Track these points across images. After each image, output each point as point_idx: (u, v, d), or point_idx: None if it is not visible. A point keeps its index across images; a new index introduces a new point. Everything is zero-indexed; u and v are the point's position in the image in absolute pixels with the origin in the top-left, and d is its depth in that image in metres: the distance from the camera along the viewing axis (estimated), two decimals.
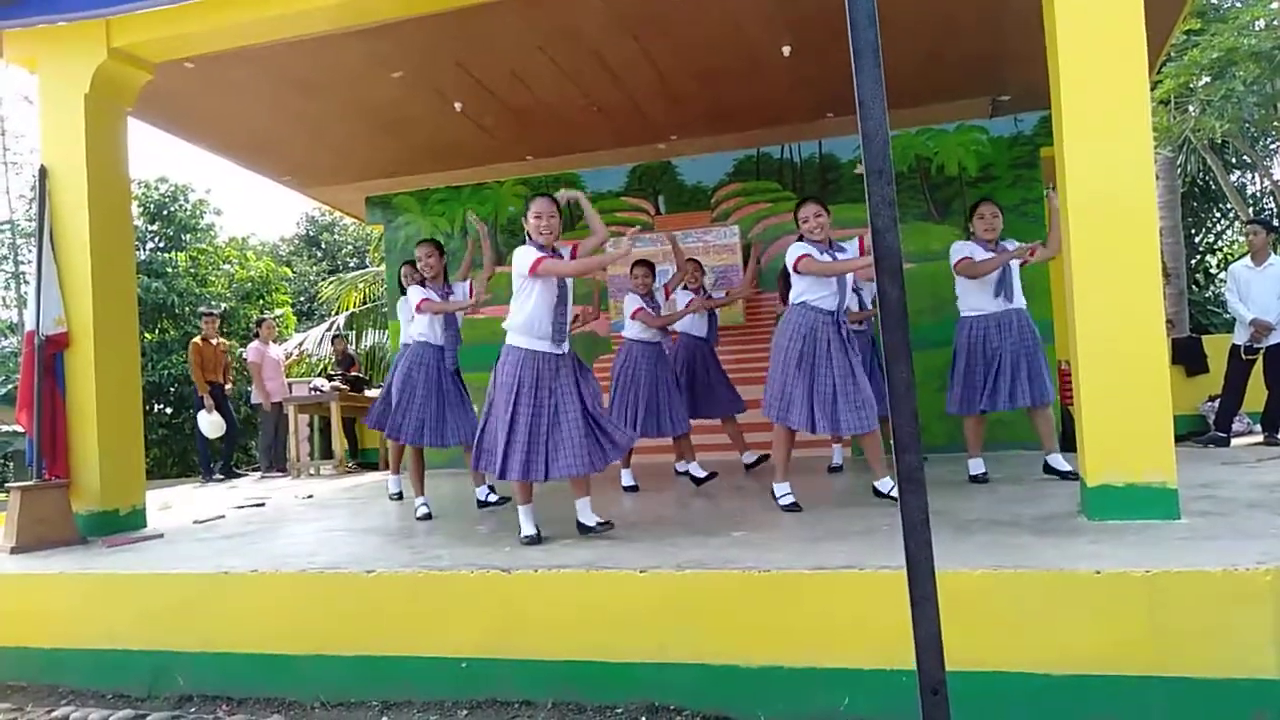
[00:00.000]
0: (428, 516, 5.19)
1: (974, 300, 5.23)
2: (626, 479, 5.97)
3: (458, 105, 7.23)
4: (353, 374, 10.38)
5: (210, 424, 9.24)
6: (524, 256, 4.11)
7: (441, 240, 8.73)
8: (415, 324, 5.38)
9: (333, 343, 12.15)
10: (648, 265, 6.15)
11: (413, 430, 5.24)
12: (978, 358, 5.19)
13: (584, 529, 4.16)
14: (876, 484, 4.68)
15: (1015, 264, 5.21)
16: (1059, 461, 5.11)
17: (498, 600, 3.41)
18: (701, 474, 5.93)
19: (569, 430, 4.08)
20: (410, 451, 5.50)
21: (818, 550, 3.45)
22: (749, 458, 6.58)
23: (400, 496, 6.20)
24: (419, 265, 5.47)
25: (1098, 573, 2.83)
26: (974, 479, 5.27)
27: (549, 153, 8.59)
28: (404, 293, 6.04)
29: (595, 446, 4.14)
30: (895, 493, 4.42)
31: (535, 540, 4.04)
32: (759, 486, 5.84)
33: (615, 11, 5.77)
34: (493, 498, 5.41)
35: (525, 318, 4.10)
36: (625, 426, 5.63)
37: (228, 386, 9.79)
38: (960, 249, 5.27)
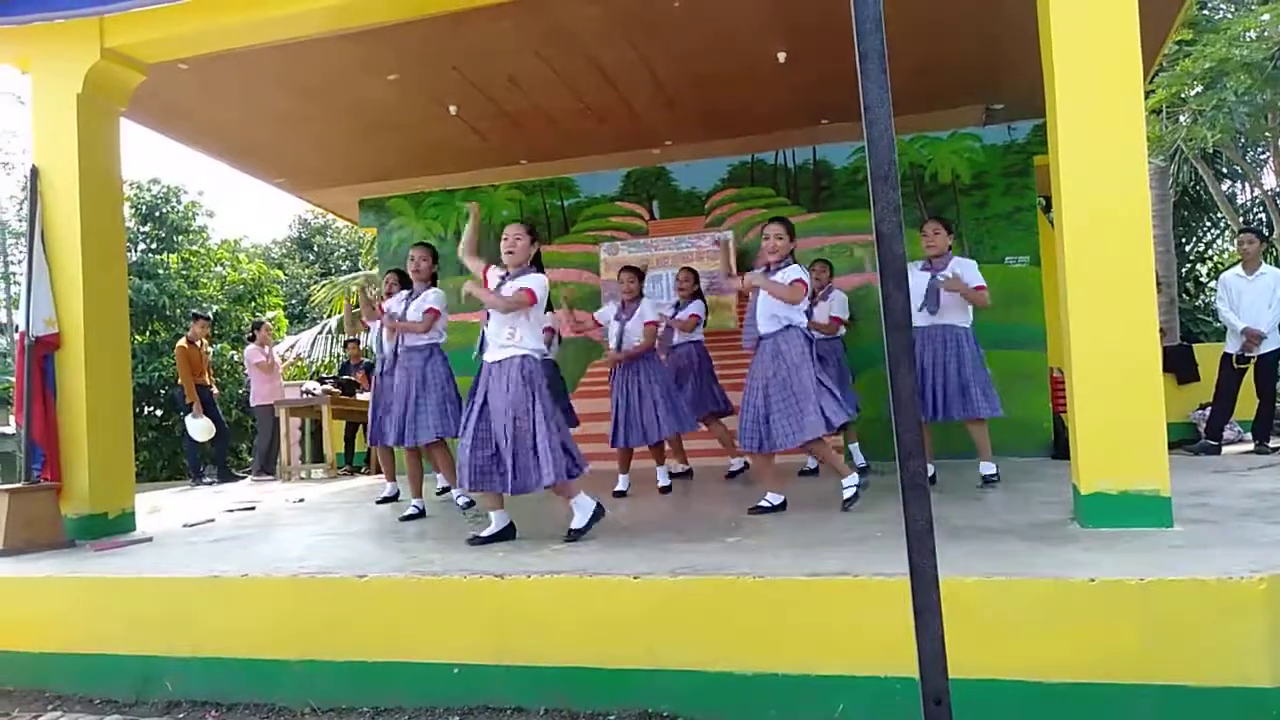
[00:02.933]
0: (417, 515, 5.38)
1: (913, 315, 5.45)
2: (621, 484, 5.97)
3: (453, 109, 7.21)
4: (345, 378, 10.33)
5: (199, 428, 9.19)
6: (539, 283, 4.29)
7: (434, 244, 8.75)
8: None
9: (345, 347, 12.04)
10: (633, 271, 6.19)
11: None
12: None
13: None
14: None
15: (942, 279, 5.40)
16: (987, 467, 5.46)
17: (490, 606, 3.39)
18: (665, 481, 6.02)
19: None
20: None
21: (812, 557, 3.44)
22: (735, 464, 6.62)
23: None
24: (409, 267, 5.64)
25: (1092, 580, 2.83)
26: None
27: (544, 157, 8.57)
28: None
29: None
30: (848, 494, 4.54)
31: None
32: (752, 493, 5.83)
33: (611, 16, 5.76)
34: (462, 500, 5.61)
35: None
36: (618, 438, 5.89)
37: (215, 390, 9.72)
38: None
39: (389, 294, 6.00)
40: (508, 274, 4.35)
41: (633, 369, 5.96)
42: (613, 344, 5.95)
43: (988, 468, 5.45)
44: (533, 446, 4.12)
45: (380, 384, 5.67)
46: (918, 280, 5.43)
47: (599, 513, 4.26)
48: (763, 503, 4.77)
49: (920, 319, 5.38)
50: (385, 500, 6.25)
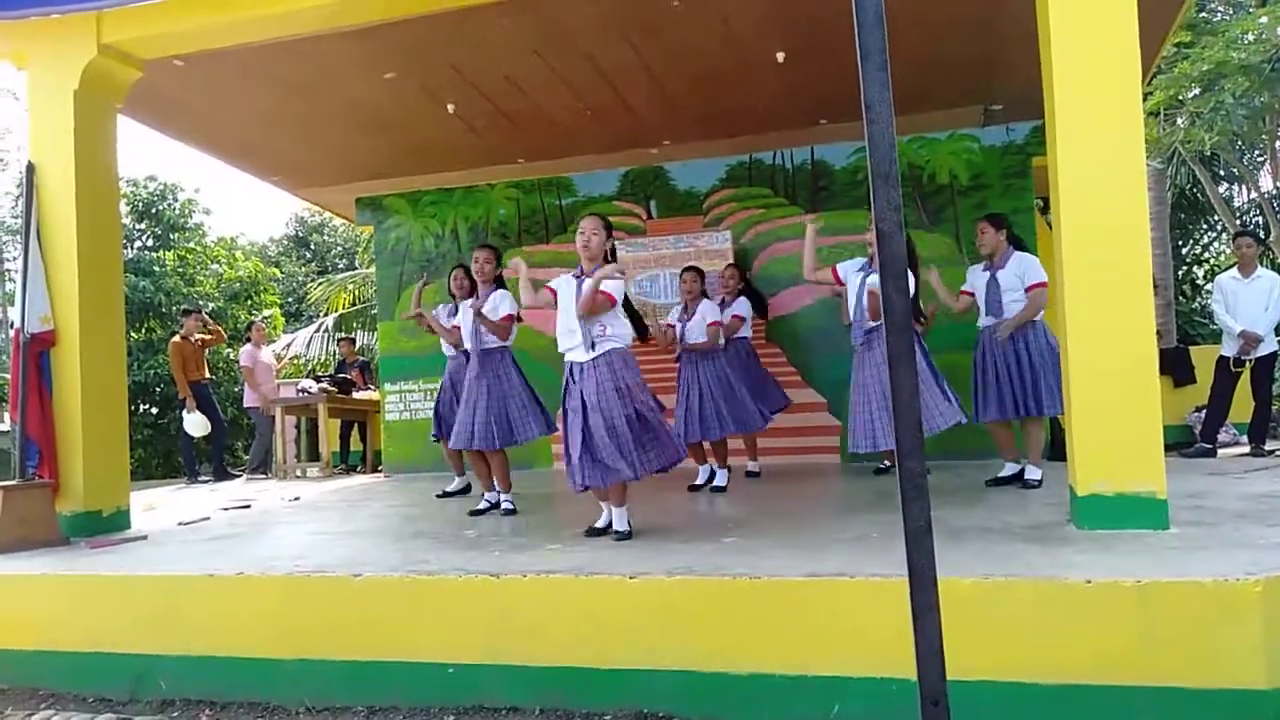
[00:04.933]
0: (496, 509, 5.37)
1: (981, 316, 5.48)
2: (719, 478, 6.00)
3: (450, 107, 7.20)
4: (341, 376, 10.31)
5: (194, 423, 9.19)
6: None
7: (432, 242, 8.76)
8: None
9: (339, 345, 11.97)
10: (695, 271, 6.22)
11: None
12: (977, 369, 5.41)
13: (597, 532, 4.28)
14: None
15: (1003, 279, 5.30)
16: (1032, 472, 5.33)
17: (486, 605, 3.38)
18: (722, 480, 5.99)
19: (580, 441, 4.15)
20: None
21: (809, 557, 3.44)
22: (753, 466, 6.64)
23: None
24: (473, 269, 5.54)
25: (1089, 582, 2.83)
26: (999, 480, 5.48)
27: (541, 156, 8.57)
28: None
29: (591, 464, 4.14)
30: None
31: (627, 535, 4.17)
32: (750, 492, 5.82)
33: (609, 15, 5.76)
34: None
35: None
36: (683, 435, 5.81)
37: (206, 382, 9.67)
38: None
39: (458, 290, 5.96)
40: (581, 275, 4.30)
41: (698, 367, 6.01)
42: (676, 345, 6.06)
43: (1032, 472, 5.31)
44: (651, 429, 4.18)
45: (454, 385, 5.73)
46: (978, 281, 5.43)
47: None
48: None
49: (984, 320, 5.38)
50: (453, 494, 6.34)
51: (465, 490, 6.46)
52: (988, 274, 5.37)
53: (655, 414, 4.22)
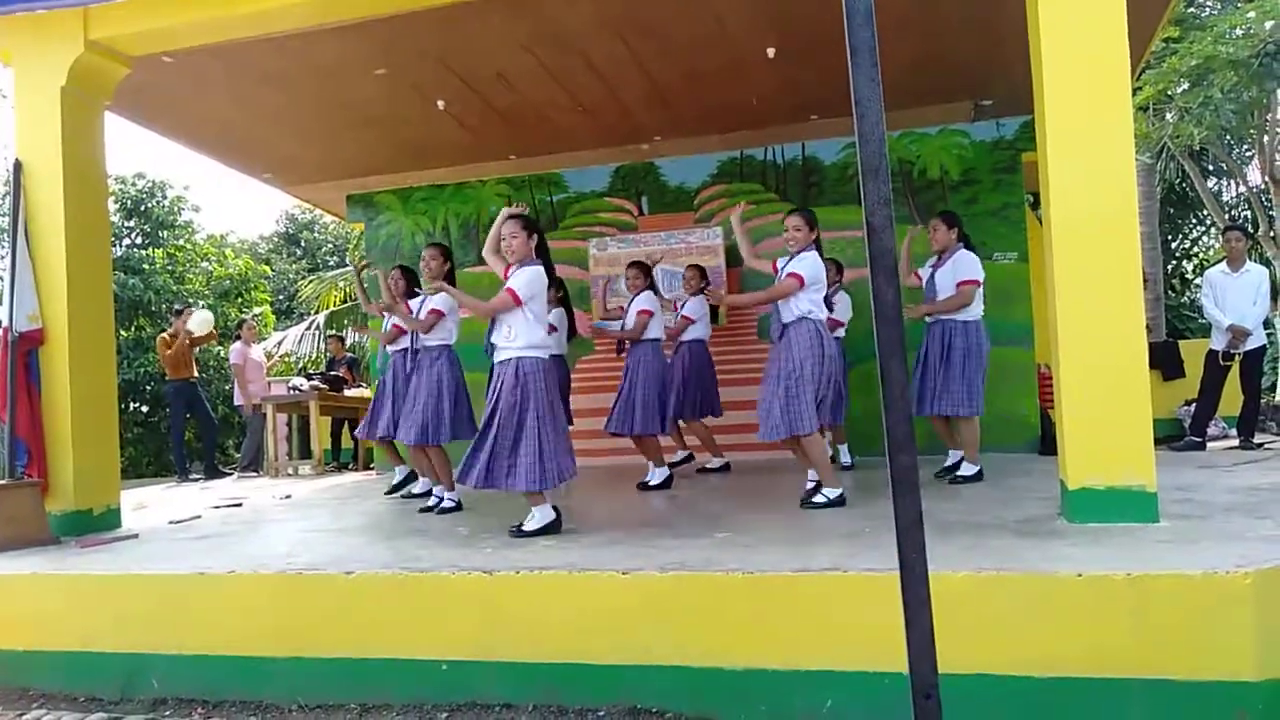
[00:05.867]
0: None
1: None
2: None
3: (441, 104, 7.17)
4: (333, 374, 10.28)
5: (200, 320, 9.36)
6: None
7: (423, 238, 8.74)
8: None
9: (328, 343, 11.92)
10: (638, 266, 6.24)
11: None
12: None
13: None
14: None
15: (940, 278, 5.42)
16: (966, 468, 5.44)
17: (479, 602, 3.38)
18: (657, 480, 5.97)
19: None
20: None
21: (801, 552, 3.45)
22: (714, 462, 6.73)
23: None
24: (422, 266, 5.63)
25: (1080, 575, 2.84)
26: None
27: (533, 152, 8.54)
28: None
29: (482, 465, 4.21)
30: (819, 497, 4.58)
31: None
32: (741, 488, 5.84)
33: (601, 12, 5.74)
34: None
35: None
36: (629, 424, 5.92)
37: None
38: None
39: (394, 288, 5.99)
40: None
41: (631, 359, 6.05)
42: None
43: (966, 468, 5.42)
44: (511, 449, 4.17)
45: (388, 380, 5.81)
46: (926, 275, 5.55)
47: (555, 525, 4.27)
48: (817, 498, 4.67)
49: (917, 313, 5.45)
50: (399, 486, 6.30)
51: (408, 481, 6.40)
52: (931, 270, 5.51)
53: (535, 438, 4.15)
